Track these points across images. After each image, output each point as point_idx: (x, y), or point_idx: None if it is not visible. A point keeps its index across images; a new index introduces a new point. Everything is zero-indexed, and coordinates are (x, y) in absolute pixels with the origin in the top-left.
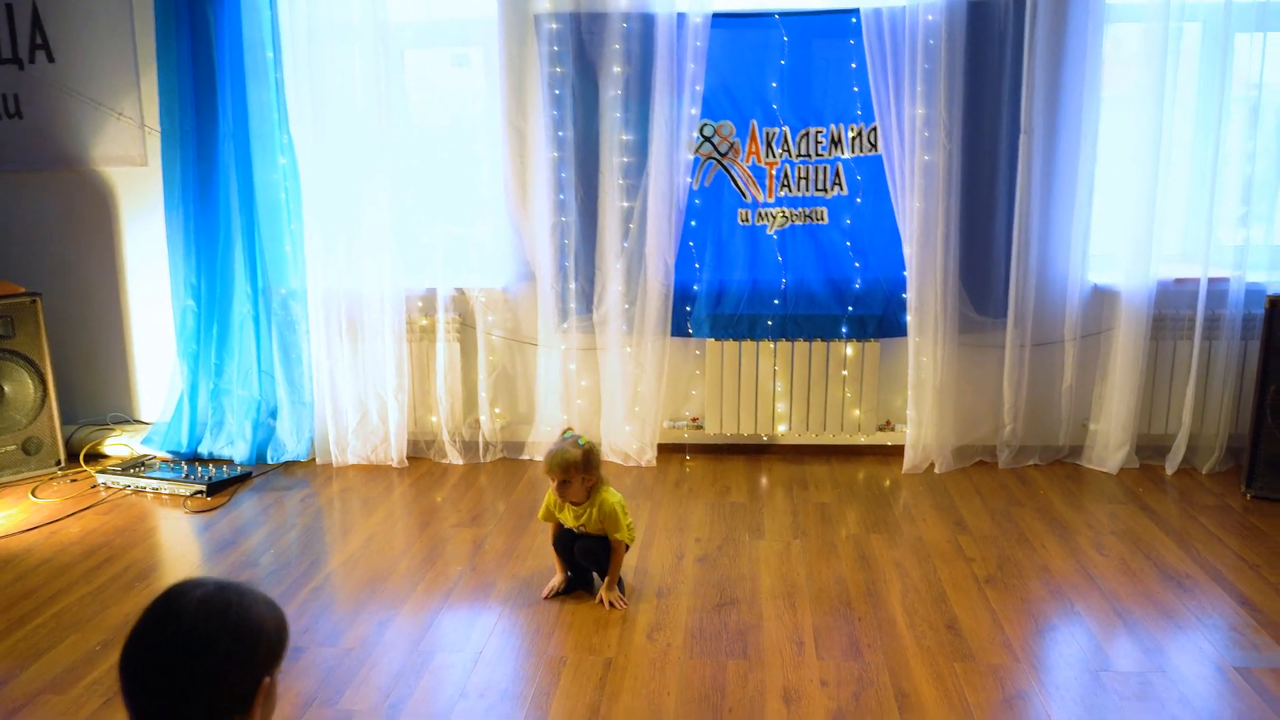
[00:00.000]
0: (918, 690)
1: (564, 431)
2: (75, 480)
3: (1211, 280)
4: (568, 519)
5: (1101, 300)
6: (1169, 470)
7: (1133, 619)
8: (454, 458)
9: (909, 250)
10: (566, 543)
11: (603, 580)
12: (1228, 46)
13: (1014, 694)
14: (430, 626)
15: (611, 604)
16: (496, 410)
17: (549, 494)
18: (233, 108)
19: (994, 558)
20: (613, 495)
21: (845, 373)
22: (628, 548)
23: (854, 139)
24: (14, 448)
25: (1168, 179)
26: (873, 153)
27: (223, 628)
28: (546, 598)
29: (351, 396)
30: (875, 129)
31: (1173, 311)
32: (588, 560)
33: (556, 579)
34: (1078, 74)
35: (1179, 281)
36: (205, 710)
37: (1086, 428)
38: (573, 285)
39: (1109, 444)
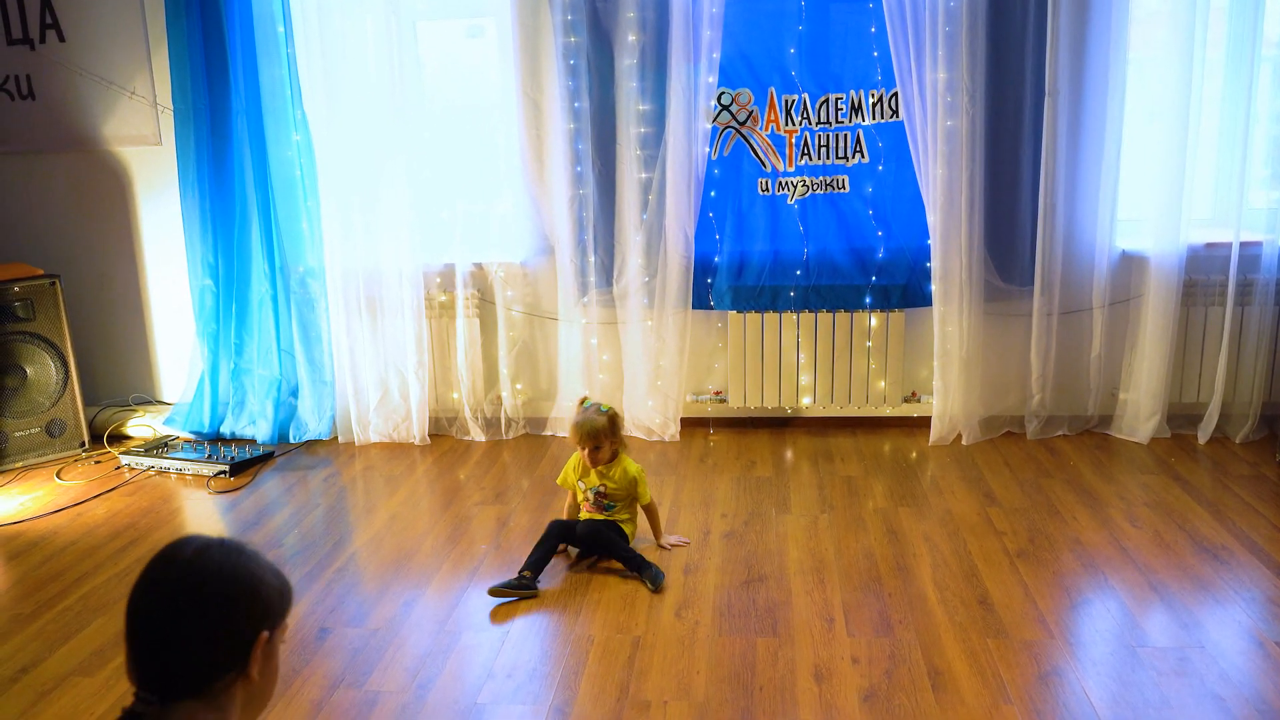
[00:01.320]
0: (951, 667)
1: (582, 401)
2: (99, 462)
3: (1243, 244)
4: (592, 480)
5: (1130, 266)
6: (1201, 440)
7: (1168, 592)
8: (476, 434)
9: (932, 218)
10: (564, 532)
11: (612, 556)
12: (1258, 3)
13: (1049, 670)
14: (456, 606)
15: (674, 546)
16: (518, 386)
17: (572, 460)
18: (245, 84)
19: (1025, 530)
20: (632, 461)
21: (869, 344)
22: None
23: (875, 105)
24: (38, 430)
25: (1197, 141)
26: (894, 119)
27: (218, 573)
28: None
29: (372, 374)
30: (896, 94)
31: (1203, 277)
32: (590, 540)
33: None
34: (1103, 33)
35: (1209, 246)
36: (200, 657)
37: (1116, 397)
38: (592, 258)
39: (1139, 413)
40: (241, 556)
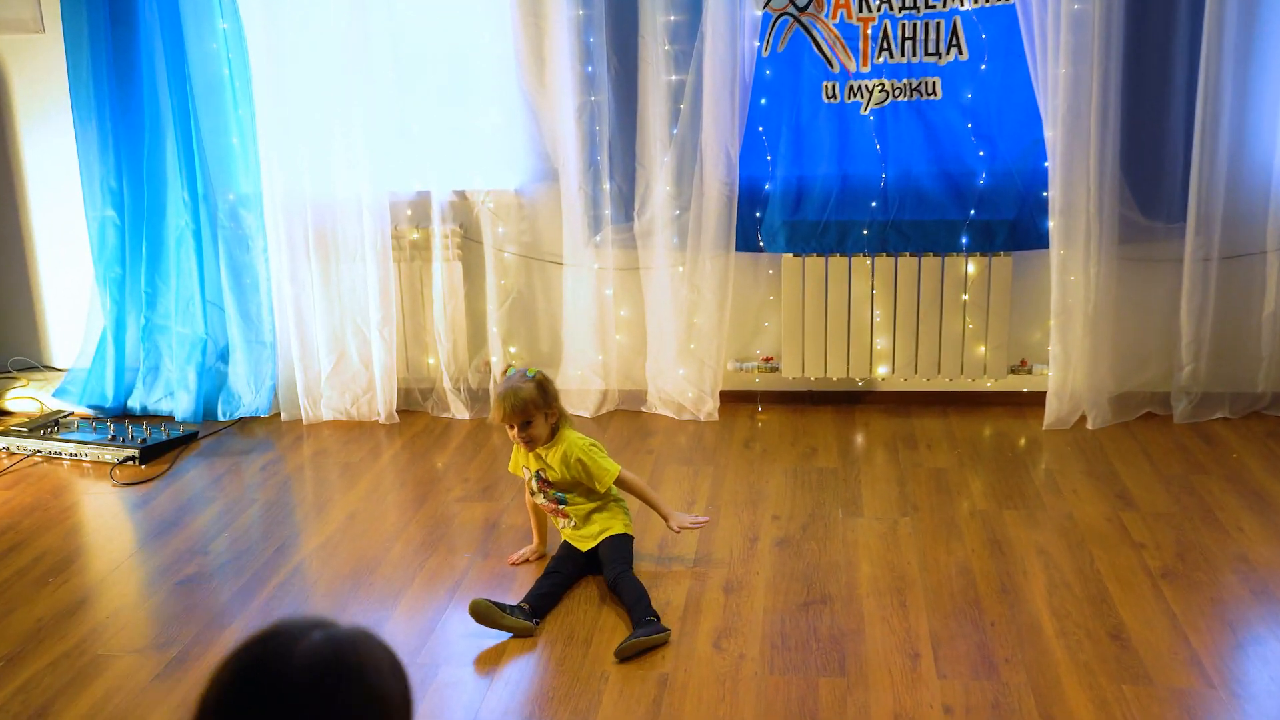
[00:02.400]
0: None
1: (505, 370)
2: None
3: None
4: (519, 462)
5: None
6: None
7: None
8: (458, 411)
9: (1051, 133)
10: (568, 551)
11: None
12: None
13: None
14: (432, 632)
15: (686, 528)
16: (512, 349)
17: (515, 450)
18: None
19: (1172, 544)
20: (579, 436)
21: (966, 297)
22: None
23: None
24: None
25: None
26: (1003, 1)
27: (345, 702)
28: (515, 564)
29: (324, 333)
30: None
31: None
32: (619, 583)
33: (530, 547)
34: None
35: None
36: None
37: None
38: (607, 186)
39: None
40: (365, 663)
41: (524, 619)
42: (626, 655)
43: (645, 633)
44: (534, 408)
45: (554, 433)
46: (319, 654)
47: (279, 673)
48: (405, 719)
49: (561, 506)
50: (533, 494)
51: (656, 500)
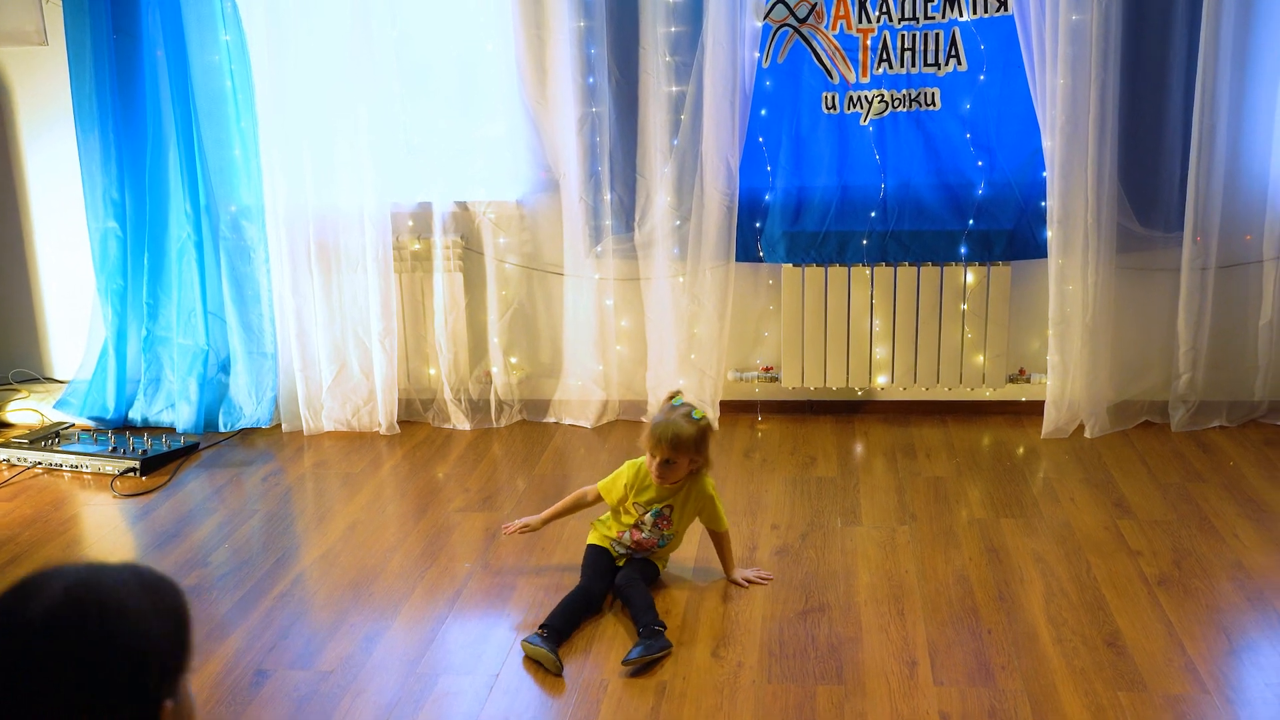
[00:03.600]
0: None
1: (671, 397)
2: None
3: None
4: (650, 496)
5: None
6: None
7: None
8: (459, 421)
9: (1050, 143)
10: (606, 566)
11: (633, 618)
12: None
13: None
14: (432, 642)
15: (751, 581)
16: (513, 360)
17: (631, 468)
18: None
19: (1168, 551)
20: (711, 480)
21: (965, 306)
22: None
23: None
24: None
25: None
26: (1001, 12)
27: (80, 649)
28: (509, 531)
29: (325, 344)
30: None
31: None
32: (629, 588)
33: (530, 522)
34: None
35: None
36: None
37: None
38: (607, 196)
39: None
40: (105, 612)
41: (555, 659)
42: (636, 669)
43: (653, 646)
44: (684, 450)
45: (691, 475)
46: (56, 599)
47: (16, 621)
48: (174, 663)
49: (660, 548)
50: (632, 524)
51: (730, 555)
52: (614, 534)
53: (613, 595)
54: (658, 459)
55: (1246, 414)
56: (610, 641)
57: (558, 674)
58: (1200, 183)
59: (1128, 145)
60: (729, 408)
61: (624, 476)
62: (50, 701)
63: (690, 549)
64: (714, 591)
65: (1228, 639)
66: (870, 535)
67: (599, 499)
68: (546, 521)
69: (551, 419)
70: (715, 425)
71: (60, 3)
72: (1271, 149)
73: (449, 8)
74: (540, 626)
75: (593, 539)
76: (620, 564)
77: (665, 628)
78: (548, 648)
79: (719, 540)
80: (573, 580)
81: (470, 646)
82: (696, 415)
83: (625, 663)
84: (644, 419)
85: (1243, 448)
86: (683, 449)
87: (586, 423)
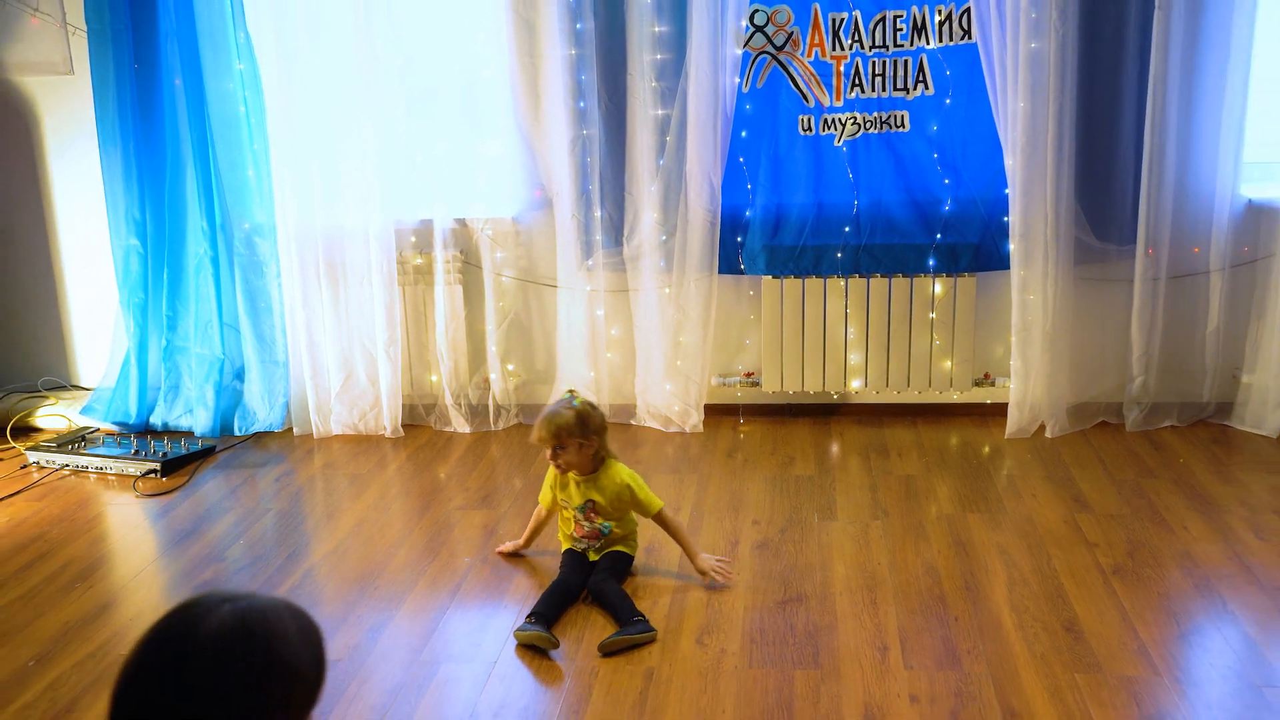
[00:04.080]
0: (1030, 708)
1: (566, 392)
2: (1, 459)
3: None
4: (573, 496)
5: (1258, 219)
6: None
7: None
8: (459, 425)
9: (1011, 162)
10: (579, 561)
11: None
12: None
13: (1152, 714)
14: (434, 632)
15: (715, 574)
16: (509, 367)
17: (548, 472)
18: (175, 0)
19: (1122, 543)
20: (625, 467)
21: (933, 315)
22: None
23: (941, 24)
24: None
25: None
26: (966, 41)
27: (249, 674)
28: (501, 552)
29: (334, 353)
30: (968, 10)
31: None
32: (602, 588)
33: (516, 543)
34: None
35: None
36: None
37: (1238, 380)
38: (598, 213)
39: (1266, 400)
40: (270, 635)
41: (543, 632)
42: (611, 650)
43: (632, 630)
44: (567, 434)
45: (596, 464)
46: (225, 625)
47: (187, 643)
48: (316, 684)
49: (604, 536)
50: (576, 523)
51: (690, 541)
52: (569, 533)
53: (590, 598)
54: (547, 449)
55: (1195, 414)
56: (601, 631)
57: (554, 648)
58: (1151, 199)
59: (1084, 164)
60: (713, 411)
61: (547, 481)
62: (222, 713)
63: (663, 543)
64: (698, 584)
65: (1177, 624)
66: (845, 530)
67: (545, 511)
68: (529, 541)
69: None
70: (700, 426)
71: (85, 36)
72: (1217, 168)
73: (449, 36)
74: (528, 615)
75: (561, 542)
76: (592, 557)
77: (645, 618)
78: (540, 629)
79: (663, 524)
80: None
81: (470, 636)
82: (576, 401)
83: (601, 646)
84: (632, 422)
85: (1192, 446)
86: (565, 433)
87: None
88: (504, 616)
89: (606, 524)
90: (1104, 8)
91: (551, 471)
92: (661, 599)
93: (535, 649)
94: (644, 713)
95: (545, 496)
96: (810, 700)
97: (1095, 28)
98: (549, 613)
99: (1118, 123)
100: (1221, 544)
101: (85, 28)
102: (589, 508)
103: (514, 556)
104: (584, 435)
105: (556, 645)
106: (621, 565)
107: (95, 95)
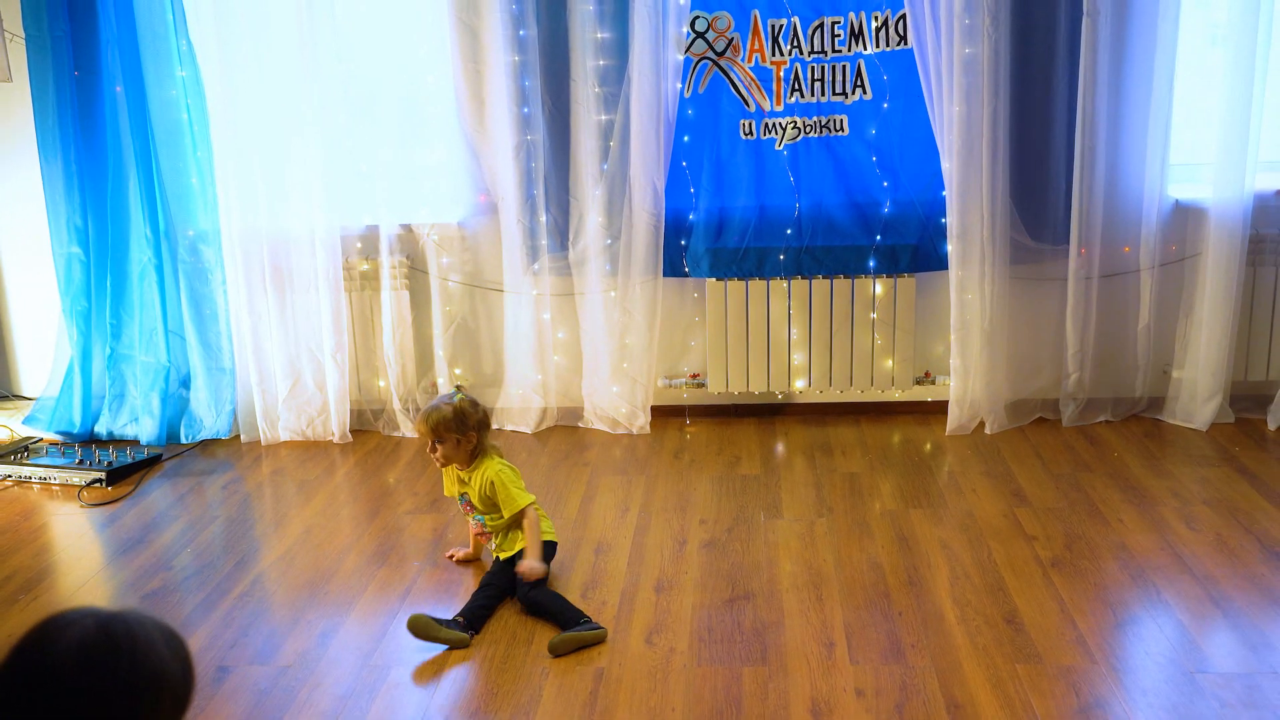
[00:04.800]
0: (973, 699)
1: (454, 388)
2: None
3: None
4: (452, 488)
5: (1185, 219)
6: (1271, 425)
7: (1233, 608)
8: (407, 429)
9: (948, 165)
10: (500, 566)
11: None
12: None
13: (1090, 702)
14: (384, 636)
15: (527, 576)
16: (457, 371)
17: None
18: (115, 7)
19: (1060, 536)
20: (498, 463)
21: (874, 315)
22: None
23: (879, 30)
24: None
25: (1265, 69)
26: (902, 46)
27: (113, 683)
28: (451, 557)
29: (280, 359)
30: (904, 16)
31: (1274, 231)
32: (535, 597)
33: (466, 550)
34: None
35: None
36: None
37: (1168, 375)
38: (543, 218)
39: (1196, 394)
40: (135, 646)
41: (460, 630)
42: (561, 651)
43: (581, 629)
44: (445, 429)
45: (472, 458)
46: (88, 637)
47: (49, 659)
48: (185, 691)
49: (484, 528)
50: (465, 515)
51: (535, 547)
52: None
53: (526, 610)
54: (428, 445)
55: (1129, 409)
56: (550, 630)
57: (464, 646)
58: (1083, 200)
59: (1018, 167)
60: (659, 412)
61: (445, 481)
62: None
63: (624, 544)
64: (647, 583)
65: (1113, 614)
66: (791, 528)
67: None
68: (473, 544)
69: (494, 426)
70: (647, 427)
71: (24, 43)
72: (1145, 170)
73: (392, 42)
74: (458, 614)
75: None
76: (499, 556)
77: (589, 618)
78: (454, 627)
79: (525, 531)
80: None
81: (416, 641)
82: (456, 396)
83: (551, 646)
84: (580, 424)
85: (1126, 440)
86: (442, 427)
87: (527, 428)
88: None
89: (480, 517)
90: (1035, 15)
91: (446, 474)
92: (610, 598)
93: (452, 647)
94: (595, 712)
95: (448, 487)
96: (759, 697)
97: (1027, 34)
98: (471, 617)
99: (1050, 126)
100: (1155, 535)
101: (24, 34)
102: (464, 501)
103: (466, 562)
104: (461, 431)
105: (466, 645)
106: (545, 557)
107: (35, 102)
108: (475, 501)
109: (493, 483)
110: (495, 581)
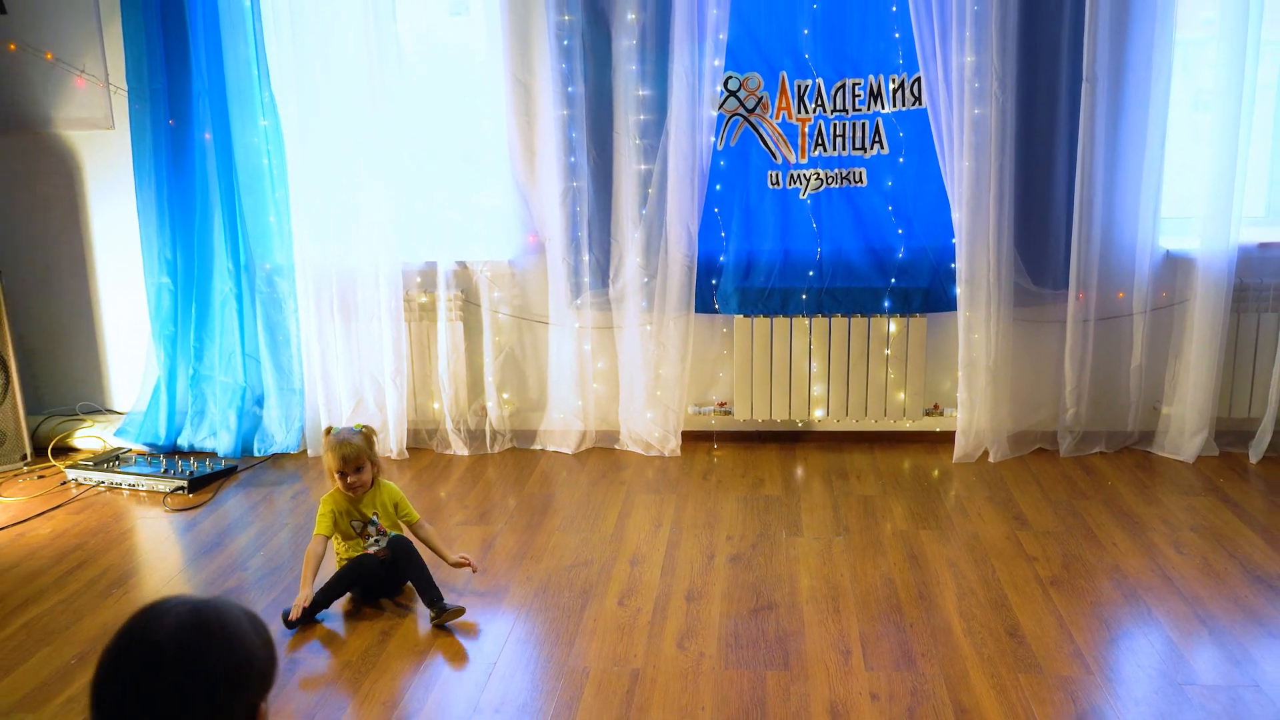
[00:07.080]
0: (979, 705)
1: (328, 431)
2: (43, 476)
3: None
4: (364, 511)
5: (1175, 268)
6: (1253, 459)
7: (1218, 626)
8: (459, 448)
9: (958, 215)
10: (371, 571)
11: (423, 593)
12: None
13: (1086, 709)
14: (438, 635)
15: (464, 561)
16: (505, 396)
17: (326, 503)
18: (207, 63)
19: (1058, 556)
20: (384, 481)
21: (888, 351)
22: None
23: (895, 91)
24: None
25: (1249, 131)
26: (916, 106)
27: (208, 664)
28: (294, 620)
29: (345, 382)
30: (919, 80)
31: (1256, 280)
32: (400, 553)
33: (303, 594)
34: (1147, 12)
35: (1263, 246)
36: None
37: (1159, 411)
38: (586, 257)
39: (1184, 429)
40: (225, 626)
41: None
42: (442, 624)
43: (449, 606)
44: (364, 456)
45: (373, 481)
46: (184, 623)
47: (150, 644)
48: (269, 672)
49: (382, 541)
50: (366, 535)
51: (440, 545)
52: (360, 550)
53: (391, 561)
54: (348, 474)
55: (1122, 442)
56: (591, 636)
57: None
58: (1081, 249)
59: (1022, 217)
60: (689, 437)
61: (329, 513)
62: (184, 701)
63: (657, 557)
64: (679, 593)
65: (1107, 629)
66: (810, 545)
67: (325, 542)
68: (312, 587)
69: (538, 446)
70: (678, 450)
71: (126, 94)
72: (1138, 222)
73: (453, 96)
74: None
75: (342, 558)
76: (377, 554)
77: (442, 596)
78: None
79: (419, 532)
80: (560, 581)
81: (471, 639)
82: (357, 427)
83: (436, 616)
84: (616, 446)
85: (1119, 470)
86: (363, 456)
87: (568, 449)
88: (502, 622)
89: (384, 533)
90: (1039, 80)
91: (331, 500)
92: (645, 606)
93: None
94: (631, 709)
95: (325, 525)
96: (781, 699)
97: (1031, 97)
98: (322, 600)
99: (1051, 181)
100: (1146, 558)
101: (126, 87)
102: (374, 524)
103: (511, 561)
104: (372, 457)
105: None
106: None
107: (134, 147)
108: (382, 518)
109: (398, 502)
110: (348, 574)
